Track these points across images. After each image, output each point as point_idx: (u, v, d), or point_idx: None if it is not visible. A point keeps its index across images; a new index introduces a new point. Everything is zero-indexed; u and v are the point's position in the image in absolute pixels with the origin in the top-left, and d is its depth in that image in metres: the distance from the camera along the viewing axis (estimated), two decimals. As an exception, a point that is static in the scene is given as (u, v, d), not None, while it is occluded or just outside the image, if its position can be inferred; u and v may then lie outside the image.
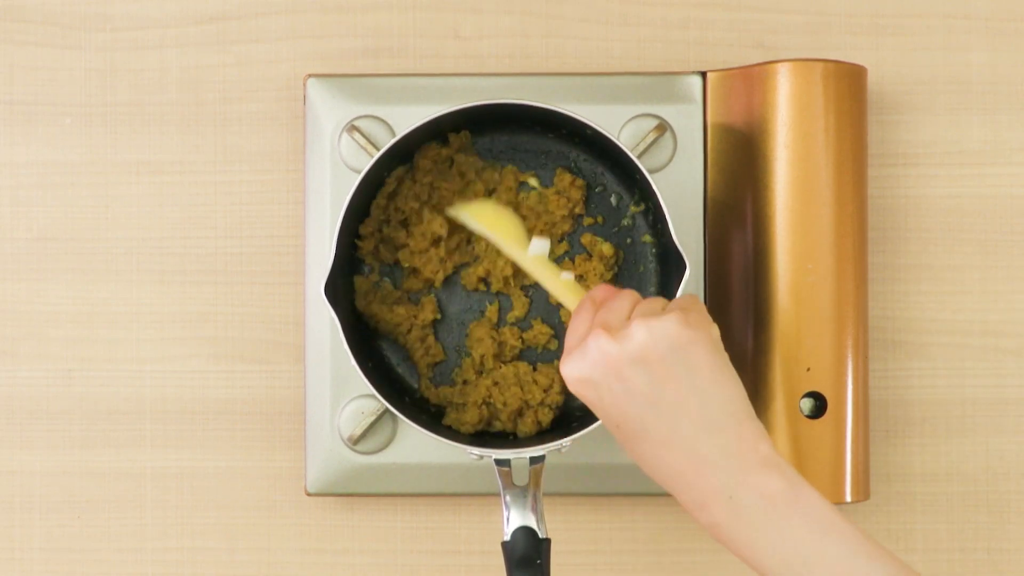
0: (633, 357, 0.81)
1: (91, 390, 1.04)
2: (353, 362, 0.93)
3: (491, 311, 1.00)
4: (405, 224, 1.00)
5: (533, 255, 0.92)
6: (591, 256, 1.00)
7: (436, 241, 0.99)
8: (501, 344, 0.99)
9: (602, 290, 0.87)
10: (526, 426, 0.98)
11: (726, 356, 0.83)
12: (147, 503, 1.04)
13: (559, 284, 0.91)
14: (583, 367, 0.82)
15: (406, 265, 0.99)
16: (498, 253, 0.99)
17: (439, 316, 1.00)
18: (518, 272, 1.00)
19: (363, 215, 0.99)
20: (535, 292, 1.01)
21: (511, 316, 1.00)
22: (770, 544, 0.79)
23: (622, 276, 1.01)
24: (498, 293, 1.00)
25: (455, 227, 0.99)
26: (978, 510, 1.04)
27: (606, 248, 1.00)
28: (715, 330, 0.83)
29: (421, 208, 0.99)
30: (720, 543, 0.81)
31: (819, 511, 0.79)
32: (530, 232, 0.98)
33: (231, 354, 1.04)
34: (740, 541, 0.80)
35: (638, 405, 0.81)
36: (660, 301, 0.85)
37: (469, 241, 1.00)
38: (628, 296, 0.85)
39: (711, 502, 0.80)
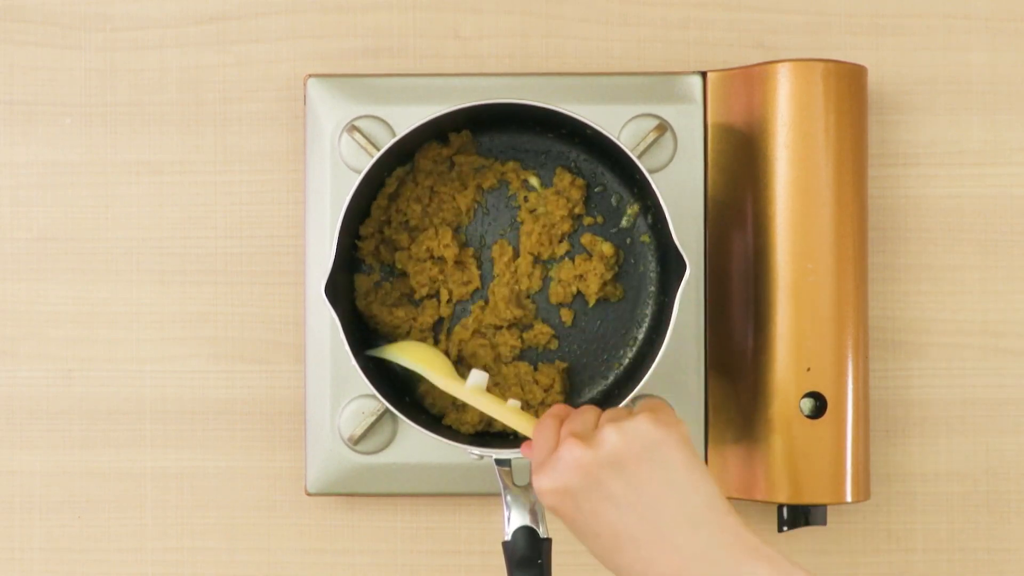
0: (608, 460, 0.80)
1: (91, 390, 1.04)
2: (353, 362, 0.93)
3: (475, 310, 1.00)
4: (407, 227, 1.00)
5: (471, 386, 0.91)
6: (591, 256, 1.00)
7: (436, 258, 0.99)
8: (495, 347, 0.99)
9: (562, 408, 0.86)
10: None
11: (697, 453, 0.82)
12: (147, 503, 1.04)
13: (506, 411, 0.90)
14: (558, 477, 0.81)
15: (399, 267, 0.99)
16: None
17: (440, 318, 1.00)
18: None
19: (364, 215, 0.99)
20: (537, 296, 1.01)
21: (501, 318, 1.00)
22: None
23: (622, 276, 1.01)
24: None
25: (461, 249, 0.99)
26: (978, 510, 1.04)
27: (606, 248, 1.00)
28: (684, 428, 0.82)
29: (425, 216, 0.99)
30: None
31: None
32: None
33: (231, 354, 1.04)
34: None
35: (617, 509, 0.80)
36: (624, 409, 0.84)
37: (479, 265, 1.00)
38: (591, 408, 0.85)
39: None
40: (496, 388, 0.99)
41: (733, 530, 0.78)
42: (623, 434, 0.79)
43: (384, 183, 0.99)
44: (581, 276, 0.99)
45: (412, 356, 0.95)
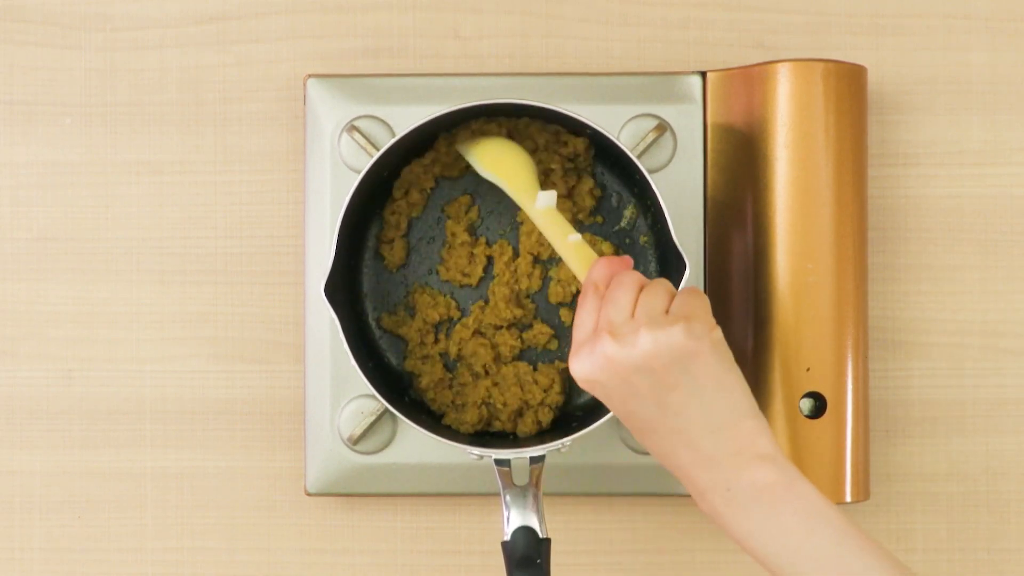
0: (638, 365, 0.83)
1: (91, 390, 1.04)
2: (353, 362, 0.93)
3: (475, 310, 1.00)
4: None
5: (541, 208, 0.92)
6: None
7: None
8: (495, 347, 0.99)
9: (604, 268, 0.87)
10: (526, 426, 0.98)
11: (730, 356, 0.85)
12: (147, 503, 1.04)
13: (566, 245, 0.91)
14: (591, 369, 0.84)
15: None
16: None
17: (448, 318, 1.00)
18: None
19: (365, 216, 0.99)
20: (537, 296, 1.01)
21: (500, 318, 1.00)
22: (764, 533, 0.83)
23: (622, 276, 1.01)
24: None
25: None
26: (978, 510, 1.04)
27: (606, 248, 0.99)
28: (718, 332, 0.85)
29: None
30: (721, 530, 0.85)
31: (811, 503, 0.82)
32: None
33: (231, 354, 1.04)
34: (737, 530, 0.83)
35: (645, 405, 0.84)
36: (662, 294, 0.85)
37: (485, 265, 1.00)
38: (630, 284, 0.86)
39: (710, 493, 0.84)
40: (496, 388, 0.99)
41: (749, 435, 0.83)
42: (656, 343, 0.82)
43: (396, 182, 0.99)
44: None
45: (493, 161, 0.96)
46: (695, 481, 0.84)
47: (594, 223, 1.01)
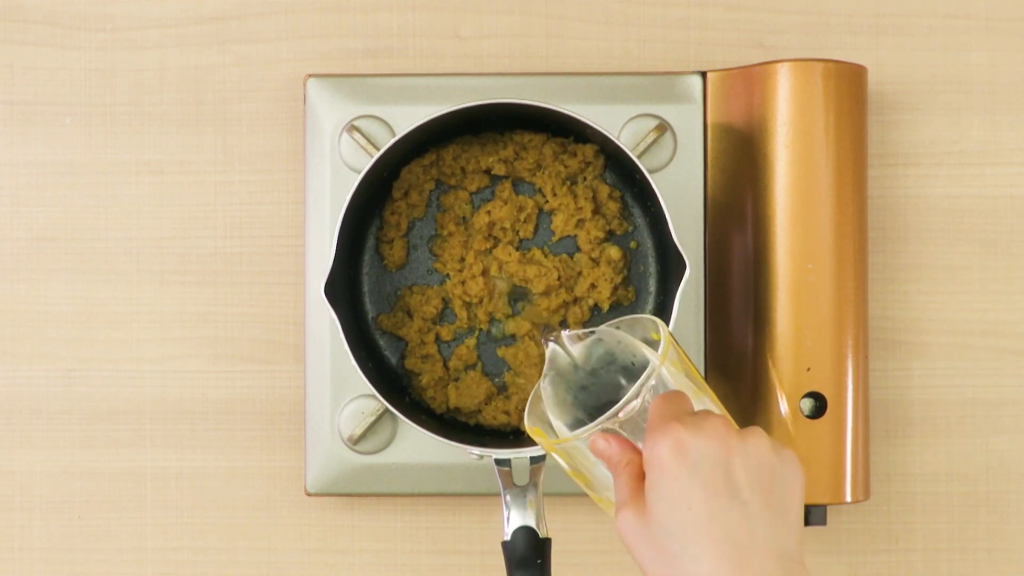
0: (748, 450, 0.76)
1: (91, 390, 1.04)
2: (353, 362, 0.93)
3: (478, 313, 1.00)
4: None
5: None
6: (598, 263, 1.00)
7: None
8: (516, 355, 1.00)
9: (612, 442, 0.79)
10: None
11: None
12: (147, 503, 1.04)
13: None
14: (697, 438, 0.75)
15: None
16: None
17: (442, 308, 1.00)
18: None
19: (365, 216, 0.99)
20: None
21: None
22: None
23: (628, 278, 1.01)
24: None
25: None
26: (978, 510, 1.04)
27: (613, 252, 0.99)
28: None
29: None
30: None
31: None
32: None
33: (231, 354, 1.04)
34: None
35: (730, 498, 0.75)
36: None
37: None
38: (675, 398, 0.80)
39: None
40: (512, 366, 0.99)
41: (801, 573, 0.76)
42: (770, 442, 0.76)
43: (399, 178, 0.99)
44: (593, 285, 0.99)
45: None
46: None
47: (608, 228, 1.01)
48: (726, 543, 0.74)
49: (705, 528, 0.74)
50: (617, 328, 0.82)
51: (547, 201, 1.00)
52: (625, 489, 0.77)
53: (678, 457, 0.74)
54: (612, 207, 1.00)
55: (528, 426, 0.81)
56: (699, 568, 0.74)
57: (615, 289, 0.99)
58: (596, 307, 1.00)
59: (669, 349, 0.78)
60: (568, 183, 0.99)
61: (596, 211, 0.99)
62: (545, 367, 0.83)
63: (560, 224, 1.00)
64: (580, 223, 0.99)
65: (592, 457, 0.79)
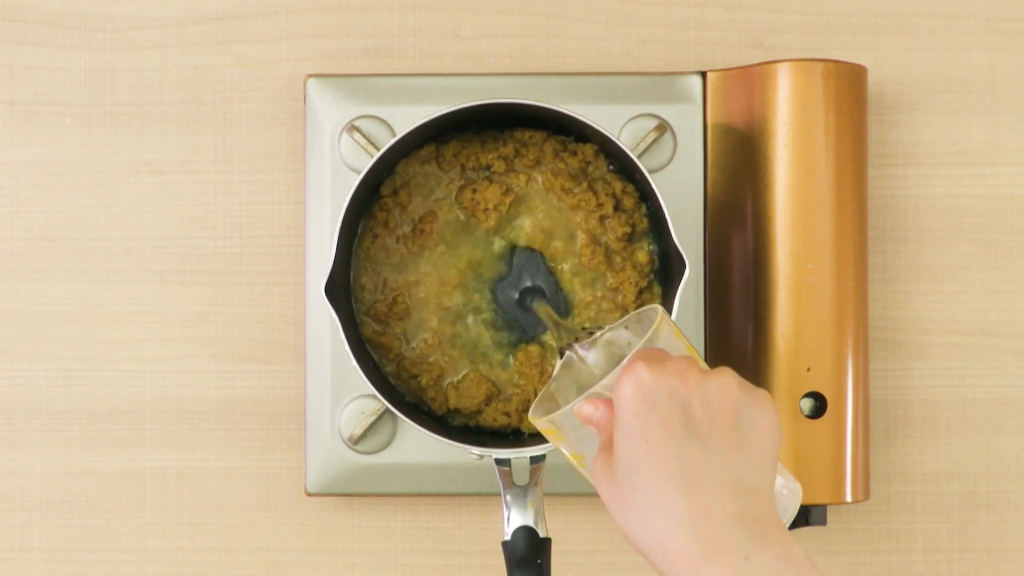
0: (709, 387, 0.76)
1: (91, 390, 1.04)
2: (353, 362, 0.93)
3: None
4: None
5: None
6: (623, 267, 0.99)
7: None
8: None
9: (598, 406, 0.80)
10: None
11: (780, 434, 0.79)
12: (147, 503, 1.04)
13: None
14: (658, 375, 0.76)
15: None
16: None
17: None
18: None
19: (365, 216, 0.99)
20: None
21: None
22: None
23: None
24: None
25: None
26: (978, 510, 1.04)
27: (641, 255, 0.99)
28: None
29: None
30: None
31: None
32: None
33: (231, 354, 1.04)
34: None
35: (686, 431, 0.76)
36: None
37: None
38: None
39: (719, 560, 0.73)
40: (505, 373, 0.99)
41: (774, 514, 0.75)
42: (737, 380, 0.77)
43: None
44: (616, 289, 0.99)
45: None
46: (701, 539, 0.73)
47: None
48: (679, 474, 0.74)
49: (659, 460, 0.75)
50: (625, 328, 0.82)
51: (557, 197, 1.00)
52: (604, 441, 0.78)
53: (638, 393, 0.76)
54: (629, 202, 0.99)
55: (530, 416, 0.82)
56: (651, 499, 0.74)
57: (640, 292, 0.99)
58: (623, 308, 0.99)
59: (662, 323, 0.80)
60: (587, 180, 0.99)
61: (616, 207, 0.99)
62: (557, 370, 0.84)
63: (582, 220, 0.99)
64: (602, 220, 0.99)
65: (586, 433, 0.80)
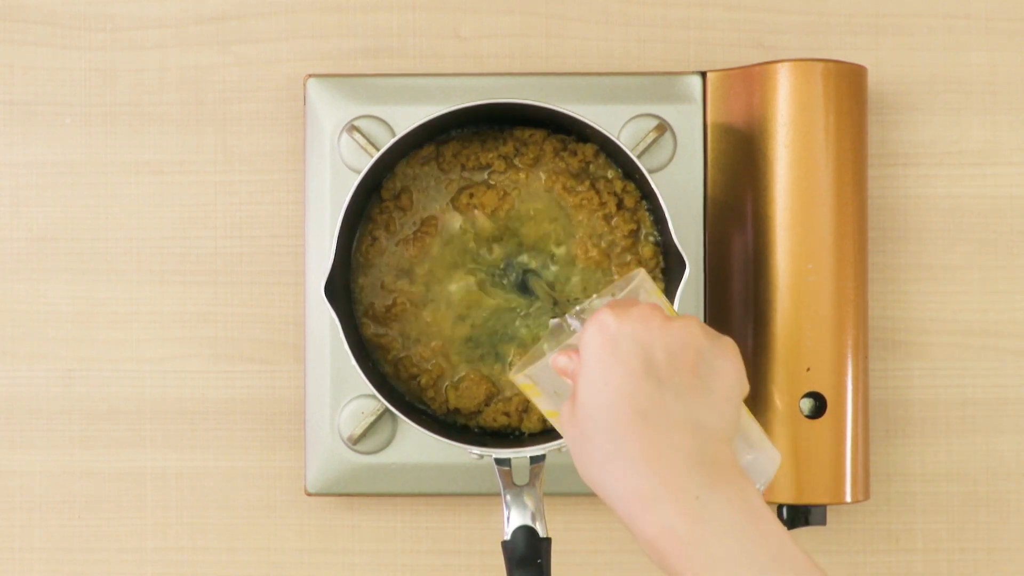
0: (672, 333, 0.77)
1: (91, 390, 1.04)
2: (353, 362, 0.93)
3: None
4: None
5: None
6: (629, 263, 0.99)
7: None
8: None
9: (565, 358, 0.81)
10: (532, 423, 0.98)
11: (744, 377, 0.80)
12: (147, 503, 1.04)
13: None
14: (621, 321, 0.77)
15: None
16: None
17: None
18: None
19: (365, 216, 0.99)
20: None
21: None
22: (726, 557, 0.72)
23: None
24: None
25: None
26: (978, 510, 1.04)
27: (646, 251, 0.99)
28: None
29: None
30: (655, 555, 0.74)
31: (780, 539, 0.73)
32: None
33: (231, 354, 1.04)
34: (688, 550, 0.73)
35: (646, 374, 0.76)
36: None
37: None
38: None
39: (672, 499, 0.73)
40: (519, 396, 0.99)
41: (731, 457, 0.76)
42: (701, 325, 0.78)
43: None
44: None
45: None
46: (654, 481, 0.74)
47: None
48: (636, 415, 0.75)
49: (618, 403, 0.75)
50: (612, 295, 0.84)
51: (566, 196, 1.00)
52: (573, 390, 0.79)
53: (601, 338, 0.77)
54: (630, 201, 0.99)
55: (511, 374, 0.84)
56: (609, 442, 0.75)
57: None
58: None
59: (643, 281, 0.82)
60: (589, 179, 0.99)
61: (620, 205, 0.99)
62: (548, 334, 0.86)
63: (584, 219, 0.99)
64: (607, 218, 0.99)
65: (564, 388, 0.81)
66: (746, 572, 0.72)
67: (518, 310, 0.99)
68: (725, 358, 0.78)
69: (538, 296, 0.98)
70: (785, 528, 0.75)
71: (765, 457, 0.84)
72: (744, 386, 0.80)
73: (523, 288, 0.99)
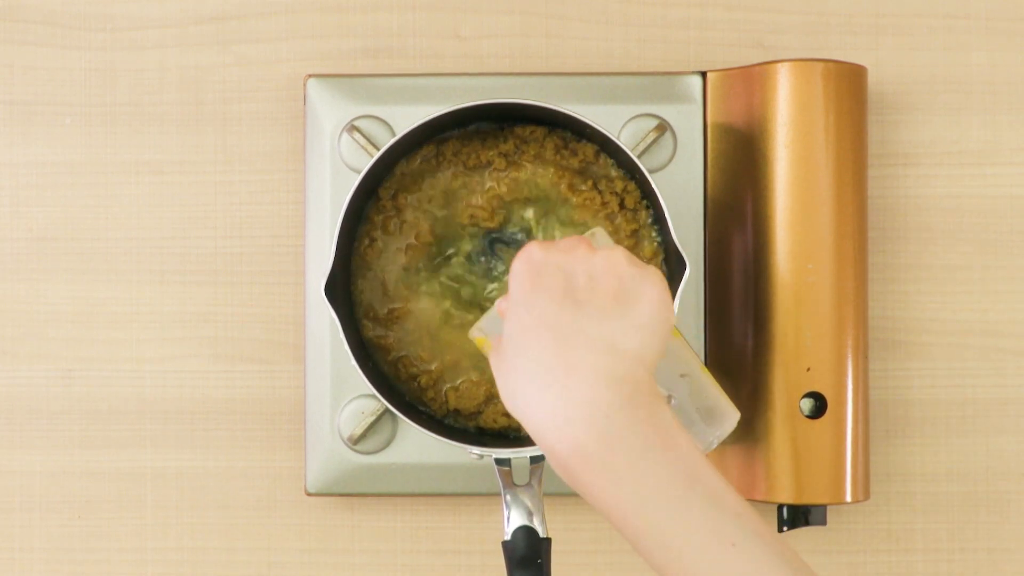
0: (595, 261, 0.78)
1: (91, 390, 1.04)
2: (353, 362, 0.93)
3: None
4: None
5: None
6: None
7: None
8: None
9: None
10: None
11: (671, 308, 0.80)
12: (147, 503, 1.04)
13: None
14: (547, 251, 0.79)
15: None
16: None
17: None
18: None
19: (365, 216, 0.99)
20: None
21: None
22: (635, 479, 0.72)
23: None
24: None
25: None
26: (978, 510, 1.04)
27: (647, 250, 0.99)
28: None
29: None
30: (568, 476, 0.74)
31: (693, 463, 0.73)
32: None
33: (231, 354, 1.04)
34: (598, 468, 0.73)
35: (566, 298, 0.77)
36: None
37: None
38: None
39: (583, 416, 0.73)
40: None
41: (649, 381, 0.76)
42: (626, 255, 0.79)
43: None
44: None
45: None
46: (566, 395, 0.73)
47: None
48: (552, 336, 0.76)
49: (536, 325, 0.76)
50: None
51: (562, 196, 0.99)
52: None
53: (526, 267, 0.78)
54: (631, 201, 0.99)
55: (469, 334, 0.86)
56: (527, 364, 0.76)
57: None
58: None
59: (597, 232, 0.86)
60: (590, 178, 0.99)
61: (621, 205, 0.99)
62: (501, 289, 0.89)
63: (588, 219, 0.99)
64: (610, 217, 0.99)
65: None
66: (655, 494, 0.72)
67: (493, 295, 0.99)
68: (649, 284, 0.79)
69: (506, 266, 0.98)
70: (701, 453, 0.74)
71: (719, 412, 0.85)
72: (669, 317, 0.79)
73: (492, 255, 0.99)
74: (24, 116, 1.04)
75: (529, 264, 0.79)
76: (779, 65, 0.98)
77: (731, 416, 0.88)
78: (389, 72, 1.04)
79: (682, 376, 0.88)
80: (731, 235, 1.00)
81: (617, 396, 0.74)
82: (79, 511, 1.04)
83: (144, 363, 1.04)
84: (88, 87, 1.04)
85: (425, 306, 1.00)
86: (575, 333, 0.76)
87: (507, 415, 0.99)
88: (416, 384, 1.00)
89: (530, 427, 0.76)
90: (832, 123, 0.98)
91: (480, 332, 0.85)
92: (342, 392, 1.01)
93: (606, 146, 0.98)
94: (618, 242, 0.99)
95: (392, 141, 0.94)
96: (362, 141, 1.00)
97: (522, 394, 0.76)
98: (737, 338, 0.99)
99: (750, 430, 0.98)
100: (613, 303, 0.77)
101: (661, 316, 0.79)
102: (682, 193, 1.00)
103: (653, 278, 0.79)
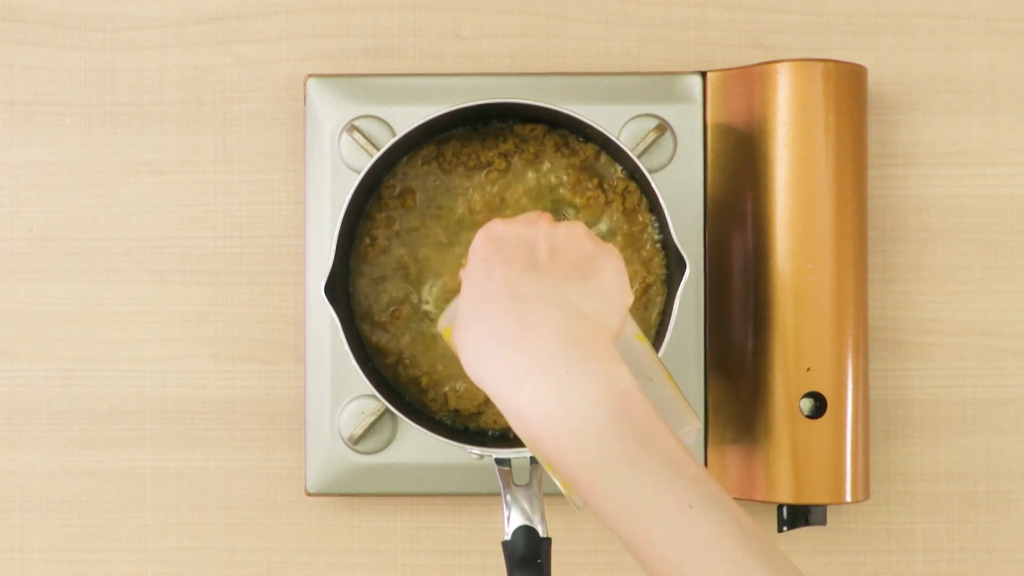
0: (557, 233, 0.79)
1: (91, 390, 1.04)
2: (353, 362, 0.93)
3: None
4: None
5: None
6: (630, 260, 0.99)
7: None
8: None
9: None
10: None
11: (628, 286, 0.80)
12: (147, 503, 1.04)
13: None
14: (509, 224, 0.80)
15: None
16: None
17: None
18: None
19: (365, 216, 0.99)
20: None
21: None
22: (592, 439, 0.72)
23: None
24: None
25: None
26: (978, 510, 1.04)
27: (647, 251, 0.99)
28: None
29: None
30: (527, 435, 0.74)
31: (650, 425, 0.73)
32: None
33: (231, 354, 1.04)
34: (555, 425, 0.73)
35: (527, 265, 0.78)
36: None
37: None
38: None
39: (541, 372, 0.73)
40: None
41: (609, 347, 0.75)
42: (586, 230, 0.80)
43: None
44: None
45: None
46: (527, 353, 0.73)
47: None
48: (511, 299, 0.76)
49: (497, 292, 0.77)
50: None
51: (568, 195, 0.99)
52: None
53: (487, 240, 0.79)
54: (630, 201, 0.99)
55: (436, 328, 0.86)
56: (486, 327, 0.76)
57: (647, 288, 0.99)
58: None
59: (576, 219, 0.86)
60: (593, 178, 0.99)
61: (624, 208, 0.99)
62: None
63: (589, 219, 0.99)
64: (610, 217, 0.99)
65: None
66: (611, 454, 0.72)
67: None
68: (607, 257, 0.80)
69: None
70: (659, 415, 0.74)
71: (680, 420, 0.84)
72: (628, 292, 0.80)
73: None
74: (24, 116, 1.04)
75: (490, 237, 0.80)
76: (779, 65, 0.98)
77: (693, 424, 0.86)
78: (389, 72, 1.04)
79: (647, 382, 0.88)
80: (731, 235, 1.00)
81: (576, 353, 0.74)
82: (79, 511, 1.04)
83: (144, 363, 1.04)
84: (88, 87, 1.04)
85: (426, 307, 1.00)
86: (536, 297, 0.76)
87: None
88: (416, 385, 1.00)
89: (489, 388, 0.75)
90: (832, 123, 0.98)
91: (447, 322, 0.84)
92: (342, 392, 1.01)
93: (606, 146, 0.98)
94: (618, 243, 0.99)
95: (392, 141, 0.94)
96: (362, 141, 1.00)
97: (484, 358, 0.76)
98: (737, 338, 0.99)
99: (750, 430, 0.98)
100: (574, 270, 0.78)
101: (620, 289, 0.80)
102: (682, 193, 1.00)
103: (612, 255, 0.80)
